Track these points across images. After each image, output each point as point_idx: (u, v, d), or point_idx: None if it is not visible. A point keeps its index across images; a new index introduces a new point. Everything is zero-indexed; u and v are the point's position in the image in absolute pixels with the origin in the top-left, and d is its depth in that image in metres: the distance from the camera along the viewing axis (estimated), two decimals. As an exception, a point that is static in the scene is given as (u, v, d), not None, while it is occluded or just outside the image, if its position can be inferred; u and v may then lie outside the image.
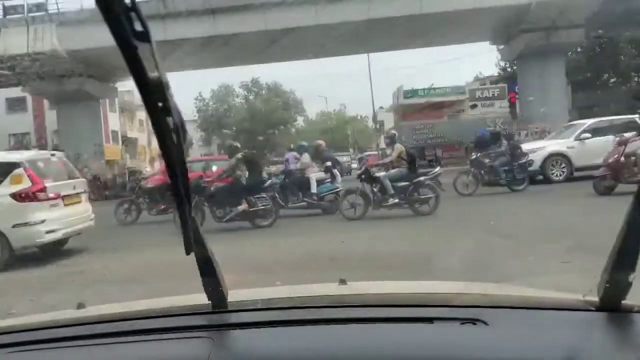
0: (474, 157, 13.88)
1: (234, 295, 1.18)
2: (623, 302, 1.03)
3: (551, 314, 1.07)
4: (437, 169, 10.66)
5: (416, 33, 26.19)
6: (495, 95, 33.03)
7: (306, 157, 11.87)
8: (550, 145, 14.47)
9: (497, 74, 38.95)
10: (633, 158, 10.02)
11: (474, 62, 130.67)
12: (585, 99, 33.48)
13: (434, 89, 33.58)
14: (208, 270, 1.08)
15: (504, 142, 13.31)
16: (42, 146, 33.36)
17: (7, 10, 25.62)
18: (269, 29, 23.62)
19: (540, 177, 14.30)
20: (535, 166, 13.84)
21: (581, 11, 23.75)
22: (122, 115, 47.44)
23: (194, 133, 64.73)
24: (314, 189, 11.00)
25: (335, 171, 11.16)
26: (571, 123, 15.89)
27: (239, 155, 10.19)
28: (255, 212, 9.69)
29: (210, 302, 1.16)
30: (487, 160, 13.17)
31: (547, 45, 25.00)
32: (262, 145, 58.74)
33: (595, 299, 1.07)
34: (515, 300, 1.20)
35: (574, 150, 14.06)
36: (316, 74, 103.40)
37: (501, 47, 29.76)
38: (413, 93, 33.01)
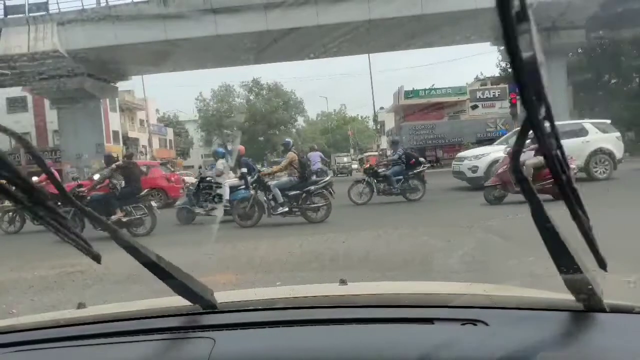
0: (367, 165, 13.96)
1: (234, 296, 1.19)
2: (623, 303, 1.03)
3: (551, 315, 1.07)
4: (328, 177, 10.78)
5: (417, 33, 26.20)
6: (496, 95, 33.06)
7: (220, 164, 11.48)
8: (495, 152, 14.21)
9: (498, 75, 38.97)
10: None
11: (474, 62, 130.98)
12: (586, 100, 33.50)
13: (435, 89, 33.61)
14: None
15: (399, 150, 13.24)
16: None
17: (8, 9, 25.65)
18: (270, 29, 23.64)
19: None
20: (480, 172, 13.80)
21: (582, 12, 23.76)
22: (123, 115, 47.47)
23: (194, 133, 64.85)
24: (226, 195, 10.84)
25: (250, 178, 10.77)
26: (519, 128, 15.84)
27: (114, 165, 10.25)
28: (130, 222, 9.73)
29: (210, 302, 1.16)
30: (381, 170, 13.14)
31: (548, 46, 24.97)
32: (263, 145, 58.85)
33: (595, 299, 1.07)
34: (516, 301, 1.20)
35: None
36: (317, 74, 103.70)
37: (502, 47, 29.74)
38: (414, 93, 33.05)
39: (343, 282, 1.42)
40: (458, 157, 15.35)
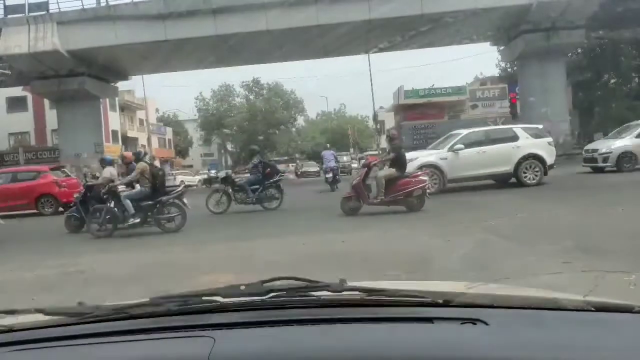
0: (224, 175, 13.92)
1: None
2: (624, 302, 1.03)
3: (551, 314, 1.07)
4: (180, 187, 10.76)
5: (417, 33, 26.18)
6: (496, 95, 33.04)
7: (107, 171, 11.22)
8: (423, 157, 14.13)
9: (497, 75, 38.97)
10: (374, 181, 10.52)
11: (474, 62, 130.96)
12: (585, 100, 33.50)
13: (435, 89, 33.55)
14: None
15: (256, 159, 13.22)
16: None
17: (8, 9, 25.63)
18: (270, 29, 23.63)
19: None
20: None
21: (581, 12, 23.74)
22: (123, 115, 47.46)
23: (194, 133, 64.85)
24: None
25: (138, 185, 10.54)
26: (451, 133, 15.65)
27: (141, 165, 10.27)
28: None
29: (210, 301, 1.16)
30: (237, 179, 13.13)
31: (548, 46, 24.99)
32: (262, 145, 58.81)
33: (596, 299, 1.07)
34: (515, 300, 1.20)
35: (447, 161, 13.83)
36: (317, 73, 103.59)
37: (502, 47, 29.75)
38: (414, 93, 32.99)
39: (343, 281, 1.42)
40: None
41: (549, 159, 14.14)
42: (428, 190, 10.48)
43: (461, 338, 0.99)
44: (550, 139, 14.64)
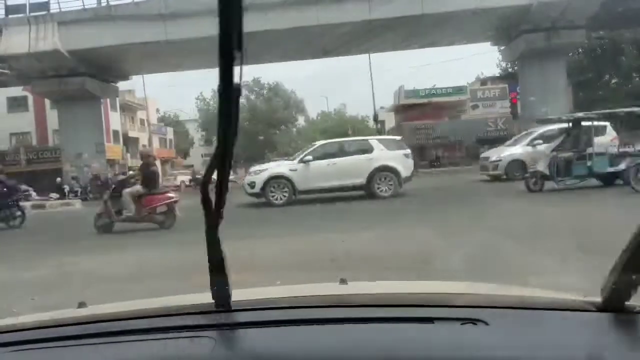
0: None
1: (234, 295, 1.19)
2: (626, 303, 1.03)
3: (552, 315, 1.07)
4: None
5: (417, 33, 26.20)
6: (497, 95, 33.10)
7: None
8: (273, 168, 14.21)
9: (498, 75, 38.98)
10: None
11: (475, 62, 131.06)
12: (586, 100, 33.49)
13: (435, 89, 33.62)
14: (218, 270, 1.08)
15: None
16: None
17: (9, 9, 25.66)
18: (270, 29, 23.64)
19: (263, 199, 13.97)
20: (257, 189, 13.74)
21: (582, 12, 23.74)
22: (123, 115, 47.49)
23: (195, 133, 64.91)
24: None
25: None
26: (313, 144, 15.53)
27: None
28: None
29: (211, 301, 1.16)
30: None
31: (548, 46, 25.00)
32: (263, 145, 58.89)
33: (597, 299, 1.07)
34: (516, 300, 1.20)
35: (296, 173, 13.80)
36: (317, 73, 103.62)
37: (502, 47, 29.78)
38: (414, 93, 33.07)
39: (343, 281, 1.42)
40: (250, 171, 14.99)
41: (404, 171, 13.94)
42: (177, 207, 10.32)
43: (462, 338, 0.99)
44: (407, 151, 14.43)
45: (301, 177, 13.77)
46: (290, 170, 13.90)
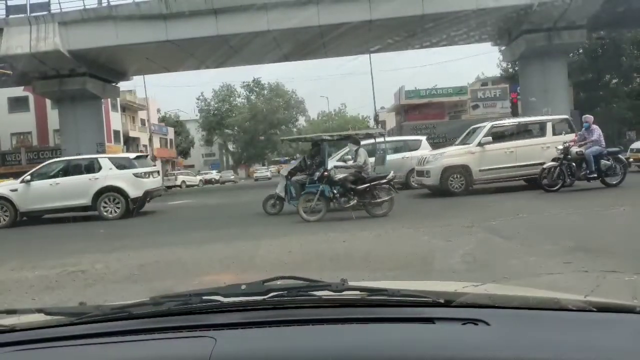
0: None
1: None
2: (625, 303, 1.03)
3: (553, 315, 1.07)
4: None
5: (418, 34, 26.18)
6: (497, 95, 33.08)
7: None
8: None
9: (499, 75, 38.96)
10: None
11: (476, 62, 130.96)
12: (587, 100, 33.48)
13: (436, 89, 33.60)
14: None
15: None
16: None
17: (9, 9, 25.66)
18: (271, 29, 23.64)
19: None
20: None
21: (583, 12, 23.71)
22: (124, 115, 47.51)
23: (195, 133, 64.93)
24: None
25: None
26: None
27: None
28: None
29: (211, 301, 1.16)
30: None
31: (549, 46, 24.97)
32: (264, 145, 58.89)
33: (597, 299, 1.07)
34: (517, 300, 1.20)
35: (17, 193, 13.27)
36: (318, 74, 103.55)
37: (503, 47, 29.76)
38: (415, 93, 33.04)
39: (344, 281, 1.42)
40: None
41: (133, 192, 13.31)
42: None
43: (463, 338, 0.99)
44: (138, 170, 13.63)
45: (22, 197, 13.19)
46: (11, 190, 13.34)
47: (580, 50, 32.71)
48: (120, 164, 13.73)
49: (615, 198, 10.06)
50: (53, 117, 33.63)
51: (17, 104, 39.24)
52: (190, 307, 1.20)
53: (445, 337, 1.00)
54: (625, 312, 1.05)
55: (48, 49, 24.40)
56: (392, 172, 10.57)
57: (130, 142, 47.29)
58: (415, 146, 16.99)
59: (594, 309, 1.06)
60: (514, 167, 12.77)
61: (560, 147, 11.77)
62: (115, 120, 43.84)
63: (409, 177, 15.87)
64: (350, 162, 11.07)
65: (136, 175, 13.55)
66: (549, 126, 13.31)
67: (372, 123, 51.29)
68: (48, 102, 34.38)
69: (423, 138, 18.14)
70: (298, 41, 25.41)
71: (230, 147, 64.80)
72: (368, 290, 1.20)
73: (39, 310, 1.28)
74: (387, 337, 1.00)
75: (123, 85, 34.47)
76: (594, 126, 11.99)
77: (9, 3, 25.82)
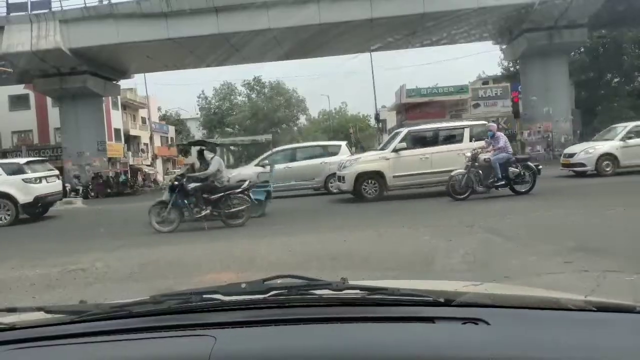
0: None
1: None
2: (625, 302, 1.03)
3: (553, 314, 1.07)
4: None
5: (419, 32, 26.15)
6: (498, 94, 33.05)
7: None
8: None
9: (500, 74, 38.92)
10: None
11: (477, 61, 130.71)
12: (588, 99, 33.45)
13: (437, 88, 33.56)
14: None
15: None
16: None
17: (10, 7, 25.65)
18: (272, 27, 23.64)
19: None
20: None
21: (584, 11, 23.69)
22: (125, 113, 47.51)
23: (196, 131, 64.93)
24: None
25: None
26: None
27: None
28: None
29: (212, 300, 1.16)
30: None
31: (550, 45, 24.95)
32: (265, 143, 58.73)
33: (597, 299, 1.07)
34: (517, 300, 1.20)
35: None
36: (318, 72, 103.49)
37: (504, 46, 29.73)
38: (416, 92, 33.00)
39: (344, 280, 1.42)
40: None
41: (22, 198, 13.21)
42: None
43: (463, 338, 0.99)
44: (28, 176, 13.53)
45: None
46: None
47: (582, 49, 32.67)
48: (11, 170, 13.62)
49: (511, 207, 9.86)
50: (54, 115, 33.61)
51: (18, 102, 39.21)
52: (190, 305, 1.20)
53: (446, 337, 1.00)
54: (626, 312, 1.05)
55: (49, 47, 24.41)
56: (248, 181, 10.61)
57: (131, 141, 47.28)
58: (334, 151, 16.96)
59: (594, 309, 1.06)
60: (429, 173, 12.56)
61: (468, 154, 11.59)
62: (116, 119, 43.84)
63: (328, 182, 15.82)
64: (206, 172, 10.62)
65: (26, 180, 13.41)
66: (466, 132, 13.11)
67: (373, 122, 51.30)
68: (49, 100, 34.37)
69: (343, 143, 18.19)
70: (299, 39, 25.38)
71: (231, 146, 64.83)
72: (368, 289, 1.20)
73: (40, 309, 1.29)
74: (387, 336, 1.00)
75: (124, 84, 34.50)
76: (499, 133, 11.98)
77: (10, 1, 25.73)
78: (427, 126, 14.63)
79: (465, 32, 27.39)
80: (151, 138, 46.83)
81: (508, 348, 0.94)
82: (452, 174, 11.50)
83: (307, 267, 5.58)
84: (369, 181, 12.92)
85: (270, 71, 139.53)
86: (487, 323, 1.00)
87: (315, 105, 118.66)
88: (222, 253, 7.17)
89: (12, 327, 1.19)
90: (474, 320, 1.01)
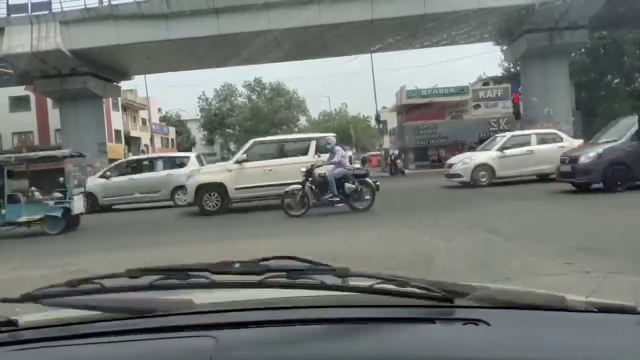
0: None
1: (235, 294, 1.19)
2: (627, 303, 1.03)
3: (554, 315, 1.07)
4: None
5: (419, 33, 26.19)
6: (499, 95, 33.02)
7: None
8: None
9: (500, 75, 38.94)
10: None
11: (477, 62, 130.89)
12: (588, 100, 33.48)
13: (437, 89, 33.55)
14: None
15: None
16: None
17: (10, 8, 25.69)
18: (272, 29, 23.66)
19: None
20: None
21: (584, 12, 23.71)
22: (125, 114, 47.55)
23: (196, 132, 64.99)
24: None
25: None
26: None
27: None
28: None
29: (212, 300, 1.16)
30: None
31: (551, 46, 24.97)
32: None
33: (598, 300, 1.07)
34: (518, 300, 1.20)
35: None
36: (319, 73, 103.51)
37: (504, 47, 29.75)
38: (416, 93, 32.99)
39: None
40: None
41: None
42: None
43: (463, 338, 0.99)
44: None
45: None
46: None
47: (582, 50, 32.72)
48: None
49: (346, 224, 9.51)
50: (54, 116, 33.65)
51: (18, 103, 39.27)
52: (190, 305, 1.20)
53: (446, 337, 1.00)
54: (627, 313, 1.05)
55: (49, 48, 24.44)
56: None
57: (131, 142, 47.33)
58: (183, 162, 16.71)
59: (595, 310, 1.06)
60: (272, 185, 12.04)
61: (304, 169, 11.08)
62: (117, 120, 43.88)
63: (175, 195, 15.60)
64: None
65: None
66: (312, 145, 12.67)
67: (373, 123, 51.31)
68: (49, 101, 34.38)
69: (192, 155, 17.84)
70: (299, 41, 25.42)
71: (232, 146, 64.88)
72: (372, 277, 1.15)
73: (40, 310, 1.28)
74: (387, 336, 1.00)
75: (124, 85, 34.51)
76: (337, 147, 11.44)
77: (10, 2, 25.79)
78: (272, 138, 14.51)
79: (466, 33, 27.44)
80: (152, 139, 46.84)
81: (509, 349, 0.93)
82: (287, 189, 11.02)
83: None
84: (211, 193, 12.54)
85: (271, 72, 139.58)
86: (488, 324, 1.00)
87: (315, 106, 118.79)
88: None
89: (12, 328, 1.19)
90: (475, 321, 1.01)
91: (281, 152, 13.11)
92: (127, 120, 48.21)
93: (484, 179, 15.45)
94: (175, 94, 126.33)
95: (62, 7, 25.48)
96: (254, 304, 1.19)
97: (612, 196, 11.02)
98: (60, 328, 1.16)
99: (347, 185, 10.94)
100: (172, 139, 59.05)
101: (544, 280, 4.39)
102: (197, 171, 13.40)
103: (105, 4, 25.36)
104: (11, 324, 1.22)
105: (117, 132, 43.77)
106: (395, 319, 1.08)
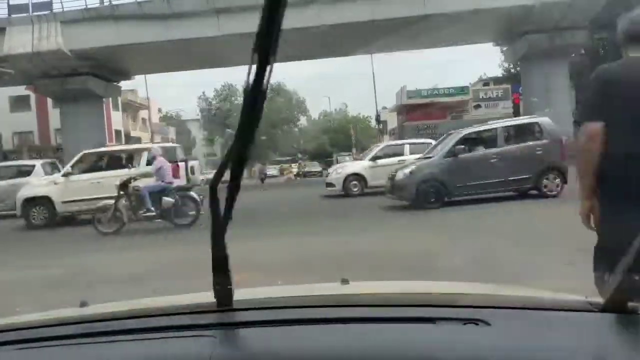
0: None
1: (236, 294, 1.19)
2: (629, 303, 1.03)
3: (554, 315, 1.07)
4: None
5: (420, 33, 26.17)
6: (499, 96, 33.03)
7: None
8: None
9: (501, 75, 38.93)
10: None
11: (478, 63, 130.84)
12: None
13: (438, 89, 33.58)
14: (221, 269, 1.08)
15: None
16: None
17: (11, 9, 25.71)
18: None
19: None
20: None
21: (585, 13, 23.70)
22: (126, 114, 47.56)
23: (197, 132, 65.03)
24: None
25: None
26: None
27: None
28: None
29: (212, 300, 1.16)
30: None
31: (551, 47, 24.97)
32: (266, 144, 58.92)
33: (599, 300, 1.07)
34: (519, 300, 1.20)
35: None
36: (319, 73, 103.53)
37: (505, 48, 29.74)
38: (416, 93, 33.02)
39: (345, 281, 1.42)
40: None
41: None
42: None
43: (463, 338, 0.99)
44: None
45: None
46: None
47: (582, 51, 32.69)
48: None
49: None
50: (54, 116, 33.66)
51: (18, 103, 39.28)
52: (190, 305, 1.20)
53: (446, 337, 1.00)
54: (627, 314, 1.05)
55: (50, 48, 24.45)
56: None
57: (131, 142, 47.36)
58: (28, 171, 16.07)
59: (596, 310, 1.06)
60: (100, 199, 11.11)
61: (118, 182, 10.48)
62: (117, 120, 43.89)
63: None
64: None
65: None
66: (144, 156, 12.32)
67: (373, 123, 51.33)
68: (49, 101, 34.40)
69: (38, 163, 16.94)
70: (299, 41, 25.40)
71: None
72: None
73: (41, 309, 1.29)
74: (387, 336, 1.00)
75: (124, 85, 34.52)
76: (159, 159, 10.70)
77: (11, 2, 25.81)
78: (103, 149, 14.11)
79: (466, 34, 27.43)
80: (152, 139, 46.90)
81: (509, 349, 0.93)
82: (99, 204, 10.42)
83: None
84: (38, 207, 12.26)
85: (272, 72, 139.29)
86: (488, 324, 1.00)
87: (315, 106, 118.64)
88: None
89: (13, 328, 1.19)
90: (475, 321, 1.01)
91: (111, 163, 12.76)
92: (128, 120, 48.23)
93: (355, 189, 15.45)
94: (176, 94, 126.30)
95: (63, 8, 25.51)
96: (253, 304, 1.19)
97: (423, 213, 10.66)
98: (60, 328, 1.16)
99: (165, 199, 10.26)
100: (173, 139, 59.06)
101: (545, 280, 4.39)
102: (26, 184, 13.15)
103: (106, 4, 25.37)
104: (11, 324, 1.22)
105: (118, 132, 43.79)
106: (395, 319, 1.08)
